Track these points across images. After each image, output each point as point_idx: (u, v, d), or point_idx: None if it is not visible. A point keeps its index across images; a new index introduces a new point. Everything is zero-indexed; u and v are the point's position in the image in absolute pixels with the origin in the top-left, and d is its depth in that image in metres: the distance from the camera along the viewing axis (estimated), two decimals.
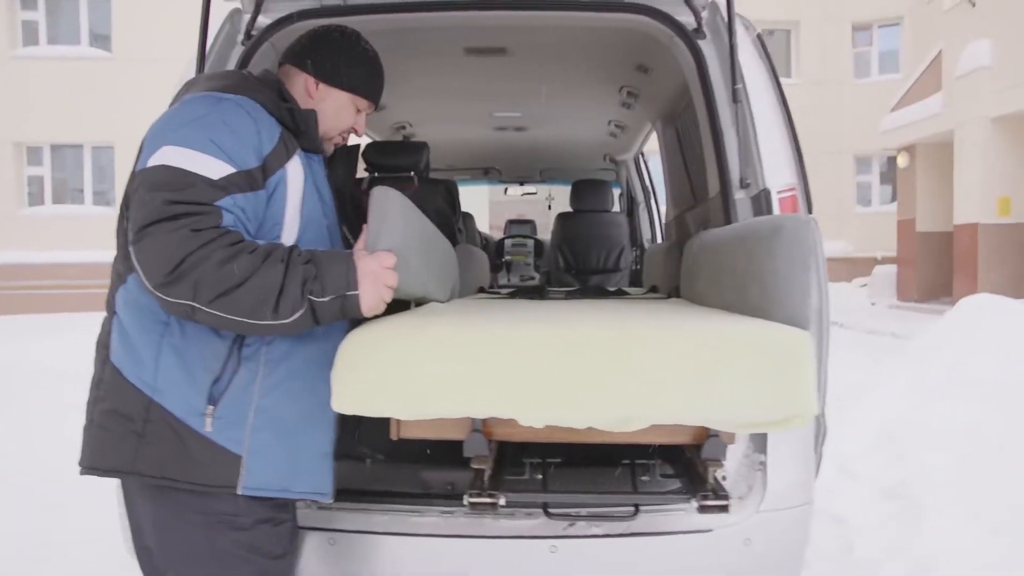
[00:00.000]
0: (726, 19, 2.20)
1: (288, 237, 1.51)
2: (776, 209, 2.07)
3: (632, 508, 1.85)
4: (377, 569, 1.97)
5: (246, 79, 1.60)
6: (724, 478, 2.03)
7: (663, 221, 4.58)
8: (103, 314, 1.58)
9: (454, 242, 3.44)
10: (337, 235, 1.71)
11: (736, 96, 2.16)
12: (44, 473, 4.02)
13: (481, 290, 3.16)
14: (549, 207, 6.91)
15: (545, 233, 6.62)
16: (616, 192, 5.93)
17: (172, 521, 1.49)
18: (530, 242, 6.50)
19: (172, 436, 1.43)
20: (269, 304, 1.32)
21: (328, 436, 1.61)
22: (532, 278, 6.28)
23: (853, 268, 16.95)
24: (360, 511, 2.00)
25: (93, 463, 1.49)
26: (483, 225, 14.55)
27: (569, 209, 5.33)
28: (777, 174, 2.12)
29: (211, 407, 1.44)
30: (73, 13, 15.32)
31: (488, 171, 5.87)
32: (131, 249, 1.36)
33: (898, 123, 13.61)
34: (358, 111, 1.77)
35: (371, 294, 1.40)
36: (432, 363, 1.42)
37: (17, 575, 2.96)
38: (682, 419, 1.36)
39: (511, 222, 7.37)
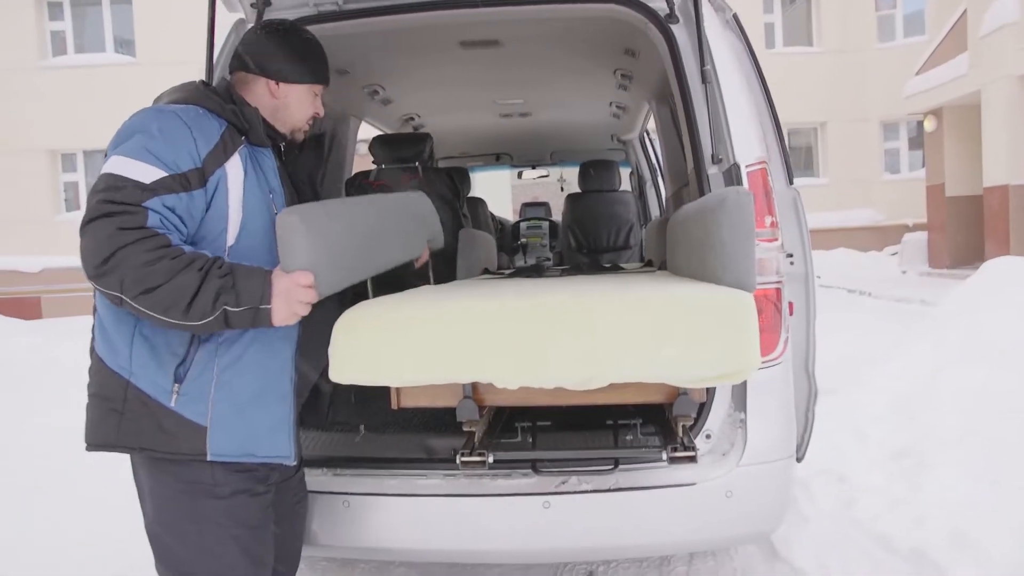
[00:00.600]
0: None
1: (233, 227, 1.67)
2: (745, 182, 2.19)
3: (612, 462, 2.00)
4: (387, 527, 2.16)
5: (197, 89, 1.77)
6: (709, 436, 2.18)
7: (660, 198, 4.69)
8: None
9: (458, 227, 3.62)
10: None
11: (705, 77, 2.28)
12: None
13: (485, 271, 3.33)
14: (561, 189, 7.03)
15: (560, 215, 6.75)
16: (628, 171, 6.04)
17: (160, 488, 1.70)
18: (544, 224, 6.65)
19: (146, 412, 1.63)
20: (181, 307, 1.49)
21: (285, 405, 1.78)
22: (548, 258, 6.43)
23: (883, 237, 16.74)
24: (371, 476, 2.20)
25: (89, 439, 1.70)
26: (507, 209, 14.67)
27: (578, 190, 5.46)
28: (746, 149, 2.23)
29: (177, 385, 1.62)
30: (97, 21, 15.71)
31: (500, 156, 6.02)
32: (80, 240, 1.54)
33: (923, 86, 13.39)
34: (316, 96, 1.92)
35: (283, 310, 1.57)
36: (415, 336, 1.60)
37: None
38: (637, 376, 1.51)
39: (526, 205, 7.52)
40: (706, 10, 2.45)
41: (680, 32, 2.41)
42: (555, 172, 7.08)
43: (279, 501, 1.88)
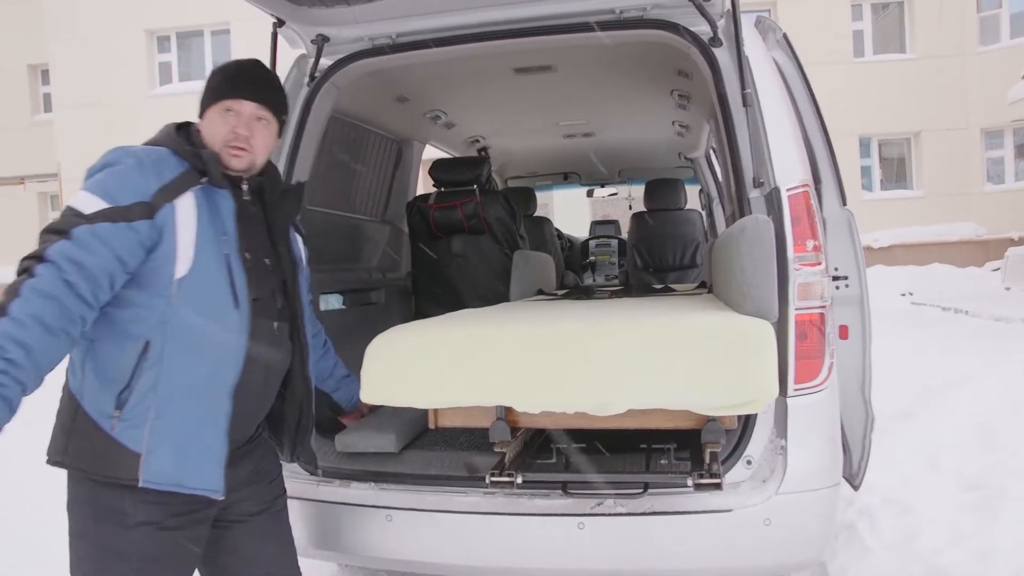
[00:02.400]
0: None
1: (183, 261, 1.72)
2: (786, 205, 2.16)
3: (641, 486, 2.01)
4: (427, 541, 2.23)
5: (168, 133, 1.85)
6: (749, 462, 2.16)
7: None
8: None
9: (514, 248, 3.69)
10: (238, 264, 1.81)
11: (746, 100, 2.27)
12: None
13: (540, 292, 3.38)
14: (630, 207, 7.02)
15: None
16: (698, 188, 5.98)
17: (73, 505, 1.75)
18: (614, 242, 6.65)
19: (90, 434, 1.68)
20: None
21: (219, 440, 1.76)
22: (615, 277, 6.42)
23: (984, 251, 15.81)
24: (412, 491, 2.28)
25: (48, 455, 1.75)
26: (584, 226, 14.66)
27: (644, 209, 5.44)
28: (788, 172, 2.21)
29: (118, 411, 1.67)
30: (200, 50, 16.72)
31: (567, 175, 6.07)
32: None
33: None
34: (228, 111, 1.87)
35: None
36: (439, 360, 1.67)
37: None
38: (652, 403, 1.53)
39: (595, 223, 7.54)
40: (750, 32, 2.45)
41: (723, 55, 2.41)
42: (624, 190, 7.08)
43: (235, 535, 1.91)
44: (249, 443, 1.95)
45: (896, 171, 16.80)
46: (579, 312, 1.98)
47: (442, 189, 3.75)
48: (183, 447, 1.70)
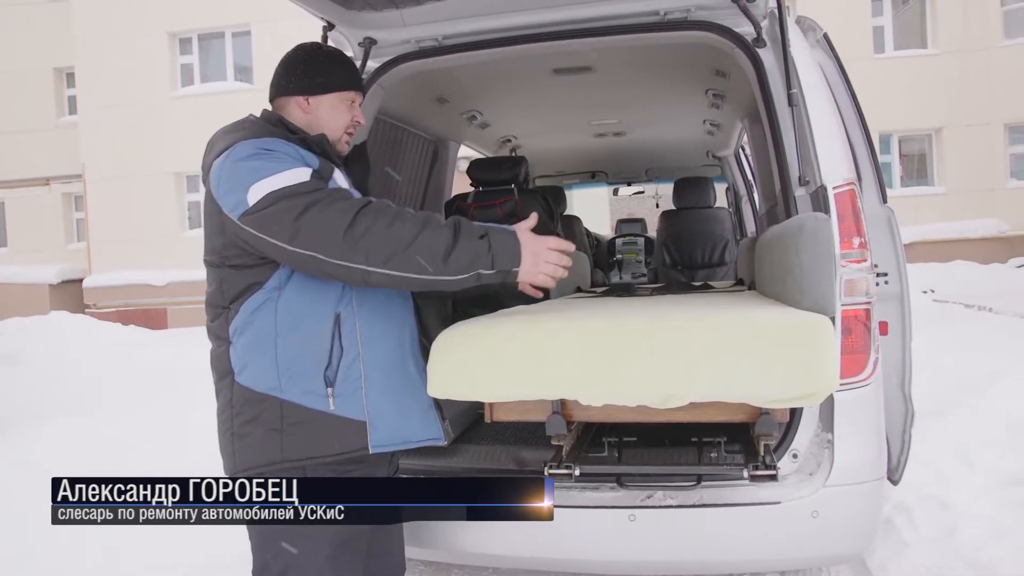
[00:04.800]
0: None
1: None
2: (832, 203, 2.20)
3: (695, 479, 2.06)
4: (476, 533, 2.28)
5: (260, 125, 1.81)
6: (795, 455, 2.21)
7: (756, 215, 4.66)
8: None
9: None
10: None
11: (792, 100, 2.31)
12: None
13: (579, 290, 3.43)
14: (657, 205, 7.05)
15: (655, 231, 6.76)
16: (724, 187, 6.01)
17: None
18: (640, 240, 6.70)
19: (306, 421, 1.70)
20: (437, 263, 1.61)
21: (424, 390, 1.83)
22: (643, 275, 6.46)
23: (1008, 247, 15.68)
24: None
25: (247, 463, 1.75)
26: (604, 225, 14.70)
27: (673, 207, 5.48)
28: (834, 171, 2.24)
29: (330, 388, 1.70)
30: (220, 52, 16.87)
31: (595, 174, 6.11)
32: (290, 249, 1.59)
33: None
34: (352, 103, 1.92)
35: (529, 271, 1.64)
36: (505, 355, 1.73)
37: None
38: (714, 396, 1.58)
39: (621, 221, 7.58)
40: (793, 32, 2.48)
41: (767, 55, 2.45)
42: (651, 189, 7.11)
43: None
44: None
45: (917, 168, 16.69)
46: (635, 308, 2.03)
47: (480, 188, 3.81)
48: (401, 404, 1.77)
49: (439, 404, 1.88)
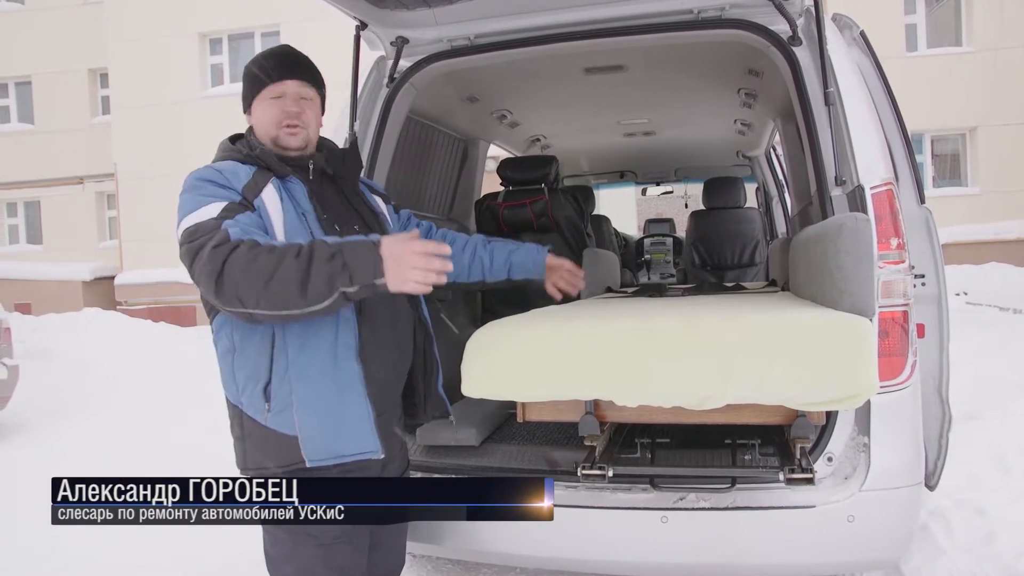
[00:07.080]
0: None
1: None
2: (870, 203, 2.17)
3: (730, 481, 2.04)
4: (507, 533, 2.28)
5: (224, 147, 1.93)
6: (830, 459, 2.18)
7: (788, 216, 4.61)
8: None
9: (582, 246, 3.73)
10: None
11: (828, 99, 2.28)
12: None
13: (609, 290, 3.42)
14: (686, 205, 7.00)
15: (683, 231, 6.72)
16: (753, 187, 5.95)
17: None
18: (668, 240, 6.65)
19: (254, 434, 1.79)
20: (295, 297, 1.62)
21: (361, 403, 1.80)
22: (671, 275, 6.42)
23: None
24: None
25: (239, 468, 1.89)
26: (631, 225, 14.64)
27: (702, 207, 5.44)
28: (871, 171, 2.21)
29: (267, 403, 1.77)
30: (250, 52, 17.03)
31: (624, 174, 6.09)
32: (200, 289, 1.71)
33: None
34: (277, 97, 1.91)
35: (395, 278, 1.60)
36: (540, 355, 1.72)
37: None
38: (752, 398, 1.56)
39: (650, 221, 7.54)
40: (830, 30, 2.45)
41: (803, 54, 2.42)
42: (679, 188, 7.07)
43: None
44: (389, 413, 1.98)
45: (950, 168, 16.39)
46: (669, 308, 2.01)
47: (510, 188, 3.81)
48: (329, 420, 1.78)
49: (375, 417, 1.83)
